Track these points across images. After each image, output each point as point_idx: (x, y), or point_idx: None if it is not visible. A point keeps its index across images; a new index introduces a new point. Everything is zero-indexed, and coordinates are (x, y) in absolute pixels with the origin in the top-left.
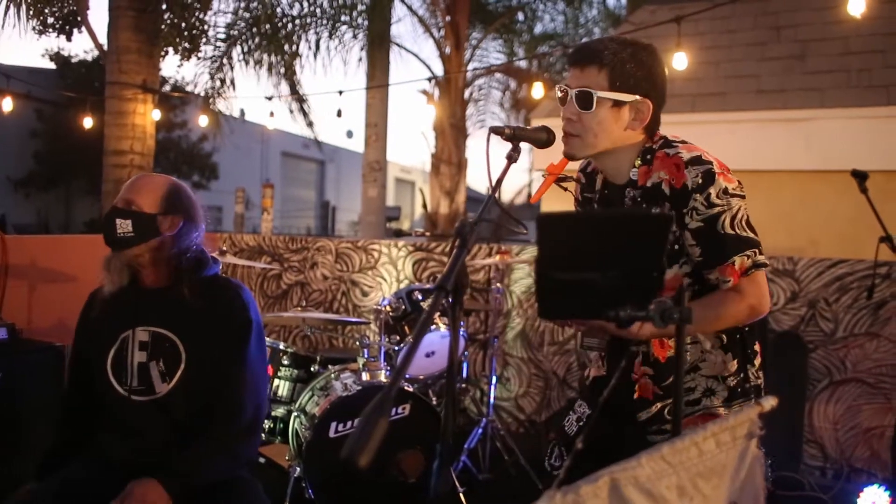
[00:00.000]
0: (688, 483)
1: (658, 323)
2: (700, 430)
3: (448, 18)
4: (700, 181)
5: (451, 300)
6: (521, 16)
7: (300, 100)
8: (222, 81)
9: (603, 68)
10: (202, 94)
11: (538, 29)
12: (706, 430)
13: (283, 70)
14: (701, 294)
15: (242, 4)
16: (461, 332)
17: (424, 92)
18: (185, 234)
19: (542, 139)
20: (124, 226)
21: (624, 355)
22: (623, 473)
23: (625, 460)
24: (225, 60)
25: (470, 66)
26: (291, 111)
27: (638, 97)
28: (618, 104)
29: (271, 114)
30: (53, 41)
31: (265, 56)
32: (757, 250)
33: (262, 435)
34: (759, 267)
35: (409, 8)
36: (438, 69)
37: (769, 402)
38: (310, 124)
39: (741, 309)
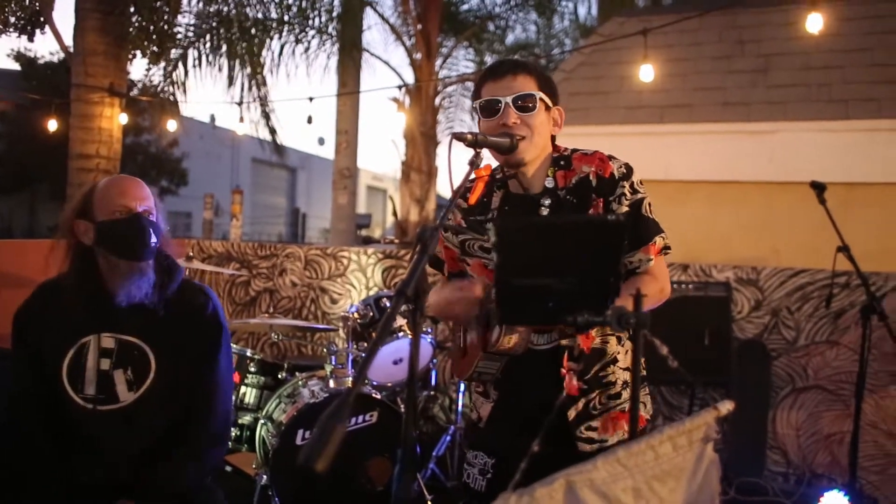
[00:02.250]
0: (644, 486)
1: (615, 327)
2: (657, 433)
3: (419, 27)
4: (624, 171)
5: (411, 306)
6: (491, 26)
7: (263, 105)
8: (175, 84)
9: (531, 75)
10: (162, 96)
11: (510, 39)
12: (662, 433)
13: (247, 75)
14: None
15: (206, 7)
16: (430, 340)
17: (395, 100)
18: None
19: (506, 145)
20: (152, 234)
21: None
22: (579, 476)
23: (580, 463)
24: (180, 63)
25: (441, 75)
26: (252, 121)
27: (557, 110)
28: (547, 108)
29: (241, 119)
30: (17, 42)
31: (226, 60)
32: (664, 234)
33: (229, 443)
34: (667, 249)
35: (381, 16)
36: (409, 77)
37: (725, 407)
38: (272, 131)
39: (655, 291)
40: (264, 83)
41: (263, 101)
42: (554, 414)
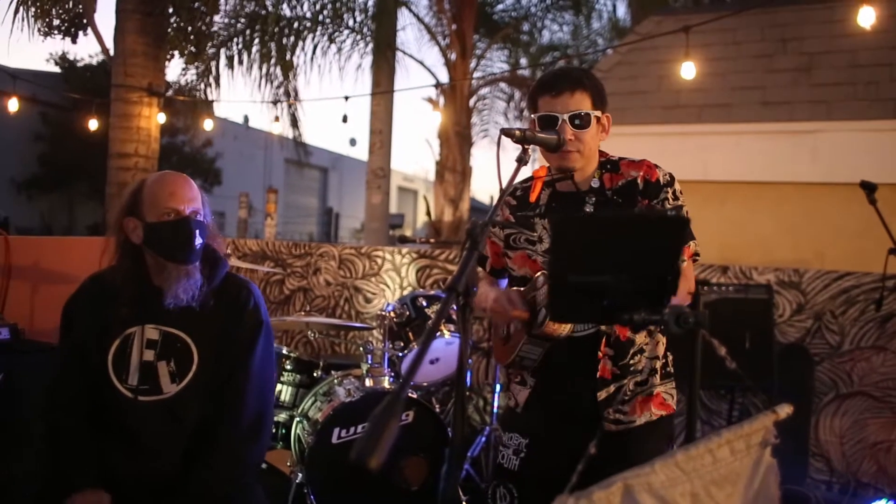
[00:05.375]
0: (701, 490)
1: (673, 327)
2: (714, 436)
3: (454, 27)
4: (668, 179)
5: (461, 301)
6: (526, 26)
7: (291, 105)
8: (209, 84)
9: (587, 92)
10: (196, 95)
11: (544, 39)
12: (721, 436)
13: (279, 74)
14: None
15: (241, 7)
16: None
17: (430, 99)
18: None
19: (553, 142)
20: (199, 237)
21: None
22: (637, 479)
23: (638, 466)
24: (214, 63)
25: (475, 76)
26: (277, 118)
27: (606, 117)
28: (598, 120)
29: (276, 118)
30: (59, 45)
31: (258, 59)
32: (696, 241)
33: (268, 439)
34: (697, 256)
35: (416, 15)
36: (443, 77)
37: (784, 410)
38: (297, 129)
39: (684, 290)
40: (294, 82)
41: (292, 101)
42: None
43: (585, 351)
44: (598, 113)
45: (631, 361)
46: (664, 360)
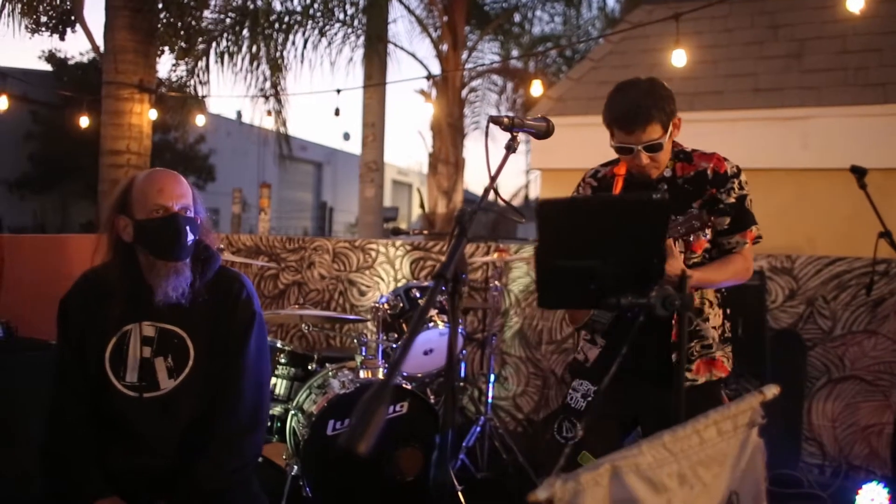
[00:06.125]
0: (689, 471)
1: (659, 310)
2: (702, 417)
3: (445, 18)
4: (735, 170)
5: (450, 288)
6: (517, 17)
7: (278, 98)
8: (200, 79)
9: (657, 122)
10: (187, 90)
11: (536, 30)
12: (707, 417)
13: (270, 69)
14: (714, 257)
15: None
16: (460, 330)
17: (422, 91)
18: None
19: (542, 129)
20: (189, 233)
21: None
22: (624, 461)
23: (625, 448)
24: (204, 58)
25: (467, 67)
26: (270, 112)
27: (675, 120)
28: (671, 133)
29: (269, 112)
30: (48, 42)
31: (249, 54)
32: (758, 226)
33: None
34: (759, 238)
35: (407, 7)
36: (435, 69)
37: (771, 391)
38: (283, 123)
39: (743, 269)
40: (285, 77)
41: (283, 95)
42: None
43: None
44: (670, 129)
45: (699, 328)
46: (724, 327)
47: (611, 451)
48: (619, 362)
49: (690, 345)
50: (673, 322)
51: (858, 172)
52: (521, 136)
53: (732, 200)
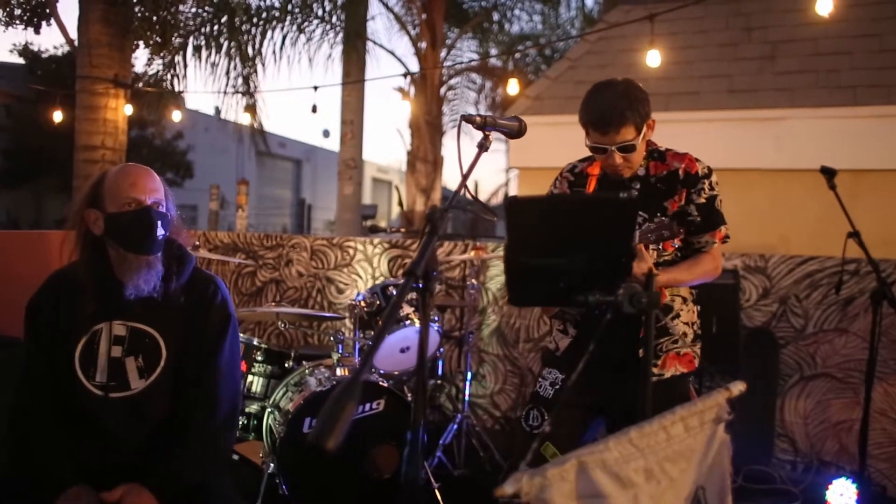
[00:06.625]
0: (655, 466)
1: (626, 307)
2: (668, 414)
3: (424, 16)
4: (706, 171)
5: (421, 285)
6: (496, 16)
7: (250, 94)
8: (177, 74)
9: (631, 124)
10: (164, 85)
11: (515, 29)
12: (674, 414)
13: (248, 65)
14: (685, 255)
15: None
16: (436, 328)
17: (400, 89)
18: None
19: (515, 128)
20: (161, 227)
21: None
22: (591, 456)
23: (592, 444)
24: (181, 53)
25: (445, 65)
26: (247, 107)
27: (650, 122)
28: (644, 134)
29: (246, 108)
30: (22, 36)
31: (225, 50)
32: (728, 226)
33: (237, 431)
34: (727, 238)
35: (385, 5)
36: (414, 67)
37: (737, 387)
38: (259, 121)
39: (712, 268)
40: (255, 72)
41: (250, 92)
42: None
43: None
44: (643, 130)
45: (668, 325)
46: (695, 325)
47: (573, 441)
48: (586, 358)
49: (660, 341)
50: (643, 317)
51: (828, 173)
52: (499, 135)
53: (703, 200)
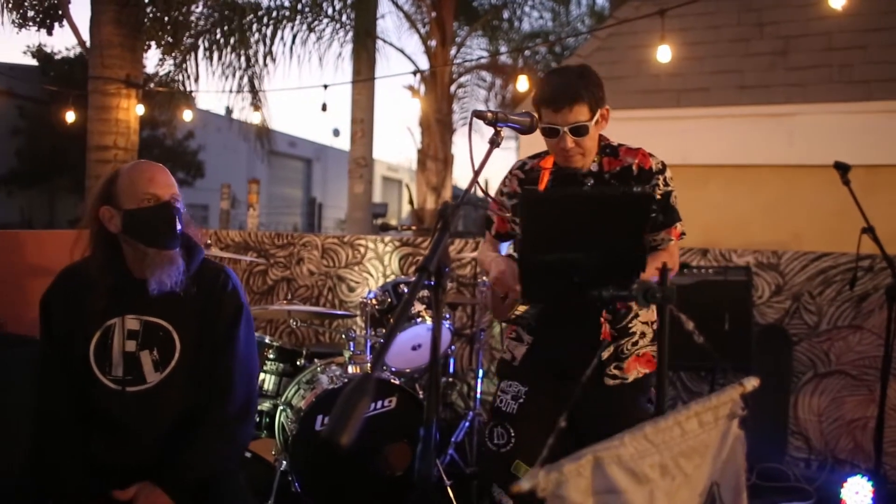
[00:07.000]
0: (670, 462)
1: (641, 302)
2: (683, 409)
3: (434, 14)
4: (661, 167)
5: (433, 282)
6: (505, 13)
7: (255, 92)
8: (187, 74)
9: (585, 103)
10: (174, 86)
11: (525, 26)
12: (689, 409)
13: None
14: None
15: None
16: (448, 326)
17: (410, 87)
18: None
19: (527, 124)
20: (179, 222)
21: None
22: (606, 452)
23: (608, 439)
24: (192, 53)
25: (455, 63)
26: (256, 106)
27: (604, 111)
28: (597, 120)
29: (254, 107)
30: (35, 37)
31: (237, 49)
32: (683, 222)
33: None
34: (683, 234)
35: (395, 3)
36: (424, 65)
37: (751, 383)
38: (264, 120)
39: (670, 265)
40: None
41: (260, 91)
42: (599, 352)
43: (584, 314)
44: (597, 115)
45: (628, 325)
46: (653, 324)
47: (543, 454)
48: (546, 361)
49: (621, 342)
50: (601, 320)
51: (842, 169)
52: (510, 132)
53: (658, 196)
